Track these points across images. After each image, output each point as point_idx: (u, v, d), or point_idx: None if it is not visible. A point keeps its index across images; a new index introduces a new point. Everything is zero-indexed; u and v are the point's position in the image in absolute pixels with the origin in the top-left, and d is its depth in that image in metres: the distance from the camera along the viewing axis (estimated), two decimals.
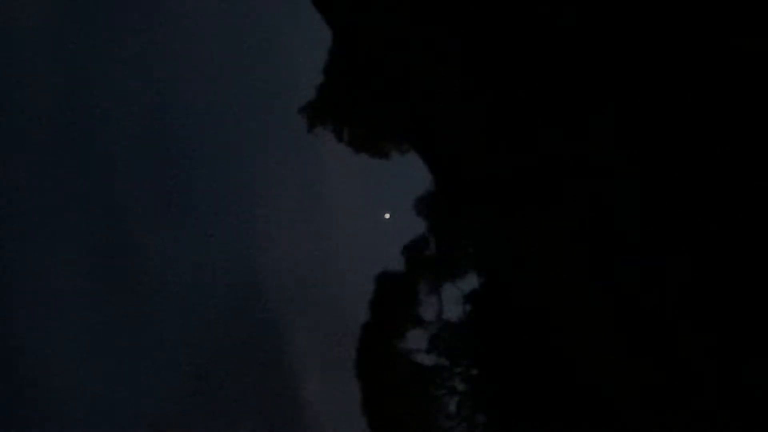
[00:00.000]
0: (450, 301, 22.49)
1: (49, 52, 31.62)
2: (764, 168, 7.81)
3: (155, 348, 30.80)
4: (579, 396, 16.07)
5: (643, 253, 9.86)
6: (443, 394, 22.65)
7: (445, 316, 22.73)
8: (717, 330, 9.13)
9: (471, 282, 22.33)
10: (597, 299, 11.43)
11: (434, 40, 10.41)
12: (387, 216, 30.96)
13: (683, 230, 8.95)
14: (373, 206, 31.64)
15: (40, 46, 31.42)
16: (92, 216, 32.00)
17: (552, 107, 9.75)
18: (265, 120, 33.18)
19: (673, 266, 9.46)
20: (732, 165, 8.06)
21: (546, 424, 19.09)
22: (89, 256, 31.75)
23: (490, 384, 21.49)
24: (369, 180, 30.03)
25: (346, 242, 32.40)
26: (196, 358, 31.05)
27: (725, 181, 8.12)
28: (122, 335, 30.93)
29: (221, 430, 30.92)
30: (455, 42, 10.11)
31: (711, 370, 9.45)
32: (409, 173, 21.65)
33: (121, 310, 31.25)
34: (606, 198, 9.93)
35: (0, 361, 28.83)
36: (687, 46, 8.03)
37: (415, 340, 22.87)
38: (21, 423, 28.75)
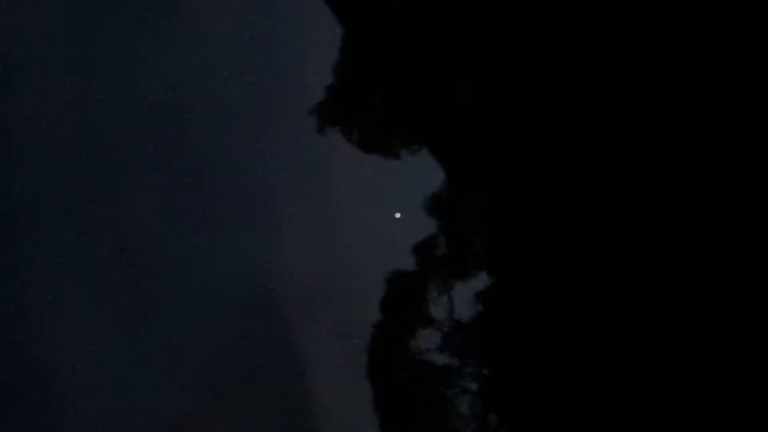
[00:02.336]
0: (461, 301, 22.48)
1: (60, 51, 31.72)
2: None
3: (167, 349, 30.86)
4: (592, 396, 16.02)
5: (658, 252, 9.81)
6: (455, 394, 22.62)
7: (456, 315, 22.71)
8: (727, 331, 9.10)
9: (482, 281, 22.31)
10: (610, 298, 11.39)
11: (445, 39, 10.39)
12: (397, 215, 30.95)
13: (698, 226, 8.92)
14: (383, 206, 31.63)
15: (51, 46, 31.51)
16: (102, 217, 32.07)
17: (564, 105, 9.73)
18: (274, 121, 33.20)
19: (689, 264, 9.41)
20: (741, 162, 8.03)
21: (558, 424, 19.04)
22: (100, 257, 31.83)
23: (502, 384, 21.46)
24: (379, 179, 30.03)
25: (356, 242, 32.39)
26: (208, 359, 31.10)
27: (735, 177, 8.09)
28: (133, 336, 31.01)
29: (233, 430, 30.96)
30: (466, 40, 10.09)
31: (722, 372, 9.41)
32: (420, 172, 21.63)
33: (133, 311, 31.32)
34: (620, 196, 9.90)
35: (11, 362, 28.96)
36: (692, 42, 8.01)
37: (427, 339, 22.86)
38: (32, 423, 28.86)
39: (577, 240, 11.33)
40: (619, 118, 9.17)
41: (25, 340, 29.65)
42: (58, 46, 31.49)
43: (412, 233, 23.97)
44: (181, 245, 32.79)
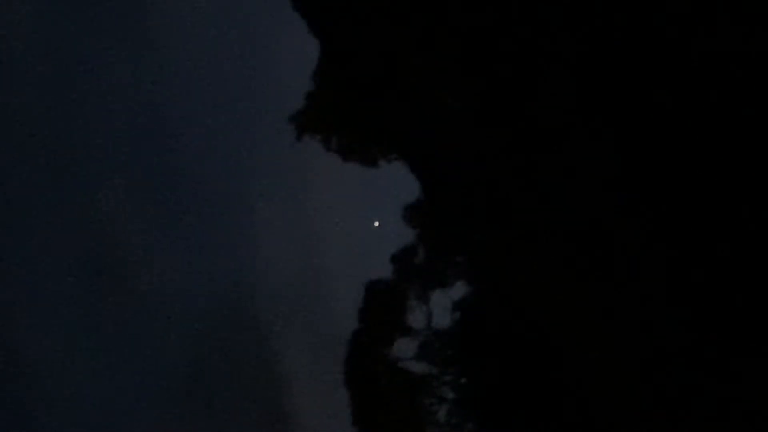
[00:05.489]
0: (439, 309, 22.47)
1: (40, 55, 31.53)
2: (753, 172, 7.83)
3: (146, 355, 30.68)
4: (568, 404, 16.05)
5: (634, 262, 9.84)
6: (432, 403, 22.59)
7: (434, 324, 22.68)
8: (707, 340, 9.12)
9: (460, 290, 22.31)
10: (586, 307, 11.41)
11: (424, 51, 10.39)
12: (376, 224, 30.91)
13: (674, 238, 8.95)
14: (362, 214, 31.59)
15: (31, 52, 31.32)
16: (84, 224, 31.87)
17: (541, 116, 9.74)
18: (253, 128, 33.12)
19: (664, 276, 9.44)
20: (722, 169, 8.06)
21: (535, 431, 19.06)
22: (81, 264, 31.62)
23: (479, 392, 21.44)
24: (358, 188, 30.01)
25: (335, 250, 32.34)
26: (187, 365, 30.93)
27: (713, 184, 8.12)
28: (113, 342, 30.82)
29: None
30: (445, 52, 10.10)
31: (703, 382, 9.44)
32: (398, 181, 21.64)
33: (113, 318, 31.11)
34: (596, 205, 9.92)
35: None
36: (667, 50, 8.05)
37: (404, 348, 22.83)
38: (16, 425, 28.66)
39: (555, 250, 11.35)
40: (604, 126, 9.19)
41: (9, 346, 29.43)
42: (33, 51, 31.30)
43: (390, 242, 23.98)
44: (159, 255, 32.59)
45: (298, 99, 23.55)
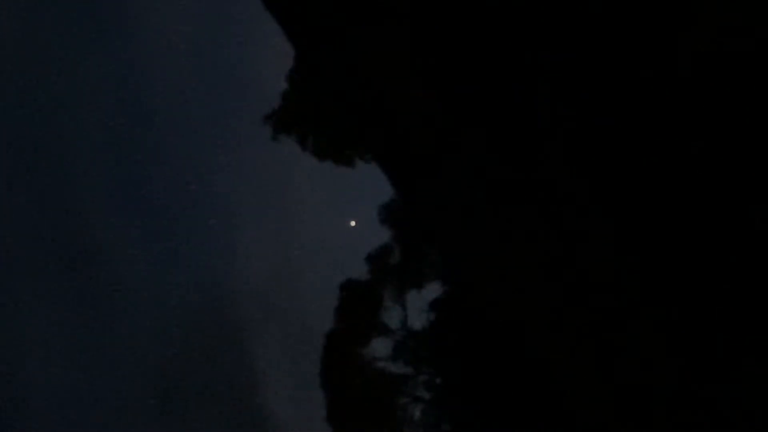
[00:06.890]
0: (415, 310, 22.50)
1: (16, 46, 31.17)
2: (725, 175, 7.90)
3: (114, 360, 30.41)
4: (545, 405, 16.11)
5: (612, 262, 9.90)
6: (408, 403, 22.62)
7: (409, 324, 22.72)
8: (684, 340, 9.20)
9: (436, 290, 22.36)
10: (564, 306, 11.46)
11: (397, 49, 10.39)
12: (352, 224, 30.84)
13: (651, 234, 9.01)
14: (337, 214, 31.50)
15: (6, 44, 30.95)
16: (54, 220, 31.51)
17: (512, 113, 9.78)
18: (228, 127, 32.92)
19: (643, 272, 9.50)
20: (694, 174, 8.13)
21: None
22: (50, 261, 31.27)
23: (455, 392, 21.50)
24: (333, 188, 29.90)
25: (310, 250, 32.21)
26: (161, 364, 30.67)
27: (680, 181, 8.19)
28: (87, 338, 30.51)
29: None
30: (418, 51, 10.10)
31: (677, 384, 9.51)
32: (374, 181, 21.59)
33: (86, 314, 30.80)
34: (573, 204, 9.97)
35: None
36: (639, 52, 8.10)
37: (380, 348, 22.84)
38: None
39: (531, 249, 11.39)
40: (567, 128, 9.23)
41: None
42: (8, 43, 30.94)
43: (366, 242, 23.93)
44: (134, 254, 32.30)
45: (274, 98, 23.48)
